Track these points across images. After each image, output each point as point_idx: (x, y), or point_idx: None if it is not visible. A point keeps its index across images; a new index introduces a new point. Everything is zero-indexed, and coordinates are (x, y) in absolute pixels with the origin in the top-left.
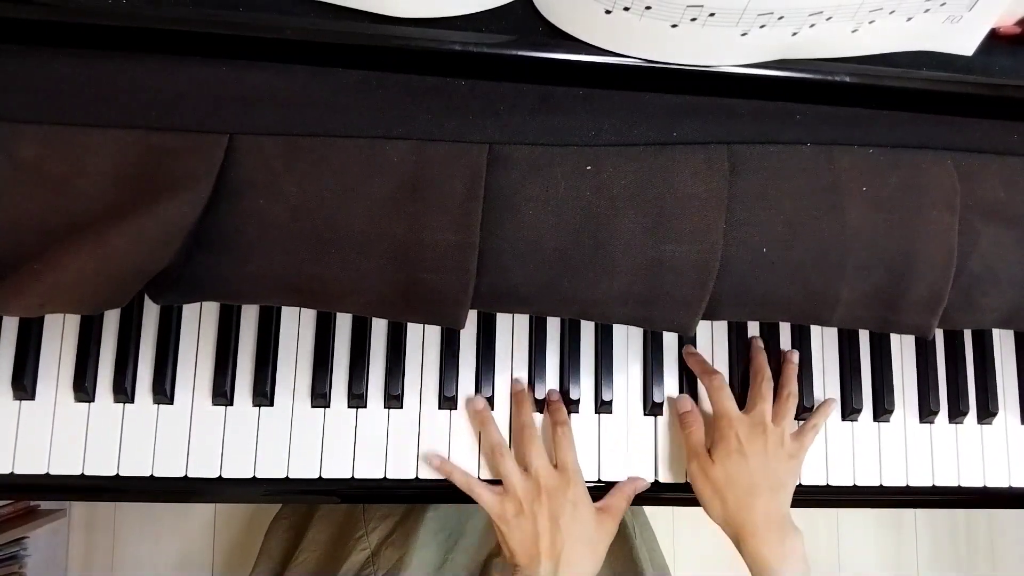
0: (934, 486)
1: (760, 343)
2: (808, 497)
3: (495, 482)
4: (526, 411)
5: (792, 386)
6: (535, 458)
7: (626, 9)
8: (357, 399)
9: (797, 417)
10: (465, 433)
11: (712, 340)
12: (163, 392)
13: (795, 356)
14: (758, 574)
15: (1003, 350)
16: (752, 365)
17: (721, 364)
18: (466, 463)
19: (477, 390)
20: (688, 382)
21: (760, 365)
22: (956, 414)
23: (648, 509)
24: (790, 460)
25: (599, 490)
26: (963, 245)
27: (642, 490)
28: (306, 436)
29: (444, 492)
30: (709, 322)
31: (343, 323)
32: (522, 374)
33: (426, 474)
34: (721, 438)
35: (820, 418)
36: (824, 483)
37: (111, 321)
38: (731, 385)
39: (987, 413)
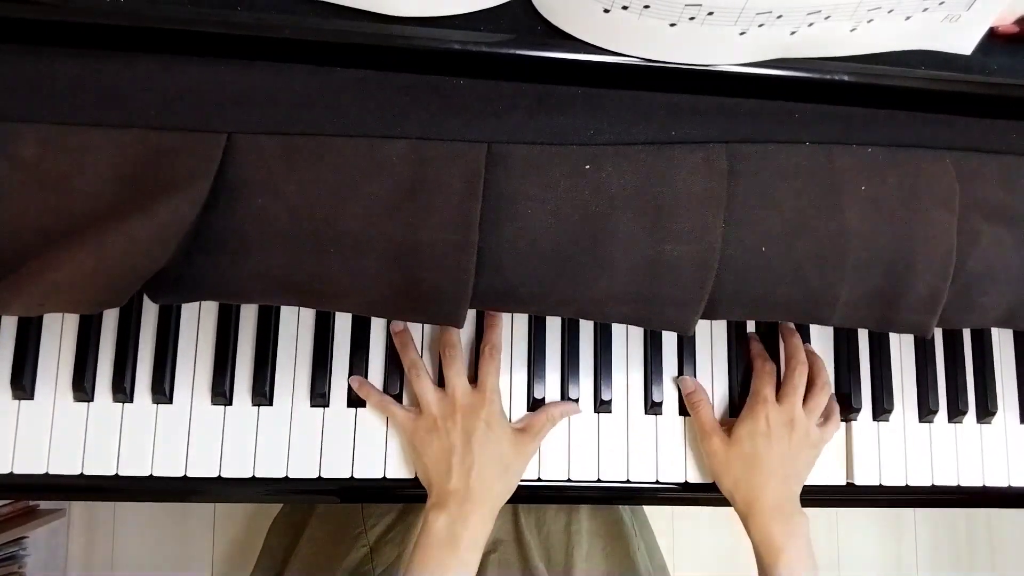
0: (933, 485)
1: (792, 325)
2: (808, 497)
3: None
4: (449, 332)
5: (824, 375)
6: (453, 376)
7: (624, 8)
8: (357, 399)
9: None
10: None
11: (711, 340)
12: (162, 392)
13: (811, 351)
14: (763, 550)
15: (1002, 349)
16: (787, 349)
17: (720, 364)
18: None
19: None
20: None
21: (795, 348)
22: (955, 413)
23: (648, 509)
24: (811, 451)
25: (599, 490)
26: (962, 244)
27: (571, 414)
28: (305, 436)
29: None
30: (708, 321)
31: (342, 323)
32: (522, 374)
33: None
34: (752, 417)
35: (837, 408)
36: (823, 483)
37: (110, 321)
38: (730, 385)
39: (986, 412)
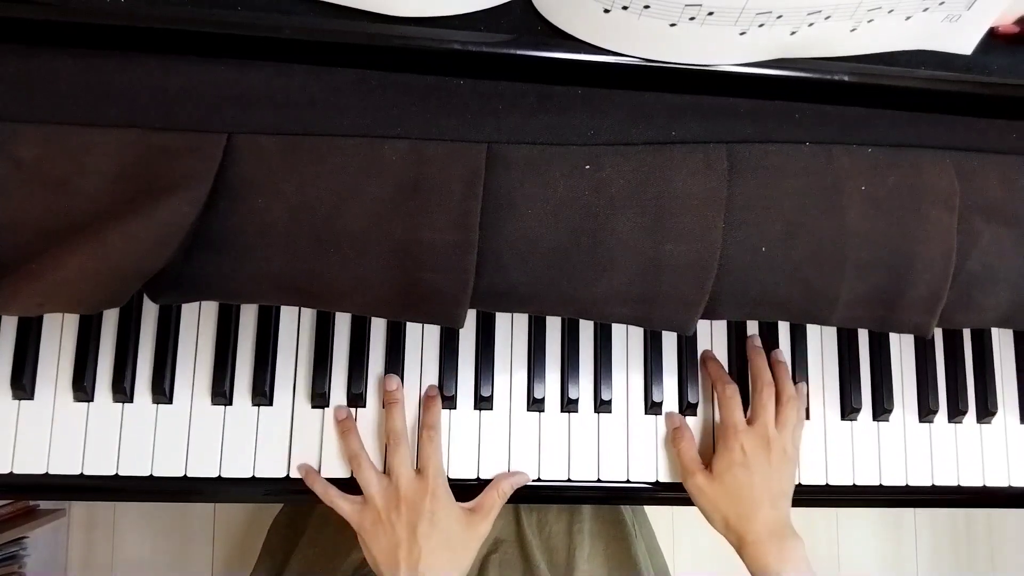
0: (933, 485)
1: (758, 342)
2: (808, 497)
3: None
4: (395, 417)
5: (789, 389)
6: (397, 465)
7: (625, 8)
8: (356, 398)
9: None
10: (465, 431)
11: (711, 339)
12: (162, 391)
13: (782, 355)
14: None
15: (1002, 349)
16: (752, 370)
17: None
18: (467, 461)
19: (476, 390)
20: (688, 382)
21: (759, 370)
22: (955, 413)
23: (648, 509)
24: (791, 466)
25: (599, 490)
26: (962, 244)
27: (520, 484)
28: (305, 435)
29: None
30: (708, 321)
31: (342, 323)
32: (521, 374)
33: None
34: (726, 449)
35: (801, 413)
36: (824, 483)
37: (110, 321)
38: None
39: (986, 412)
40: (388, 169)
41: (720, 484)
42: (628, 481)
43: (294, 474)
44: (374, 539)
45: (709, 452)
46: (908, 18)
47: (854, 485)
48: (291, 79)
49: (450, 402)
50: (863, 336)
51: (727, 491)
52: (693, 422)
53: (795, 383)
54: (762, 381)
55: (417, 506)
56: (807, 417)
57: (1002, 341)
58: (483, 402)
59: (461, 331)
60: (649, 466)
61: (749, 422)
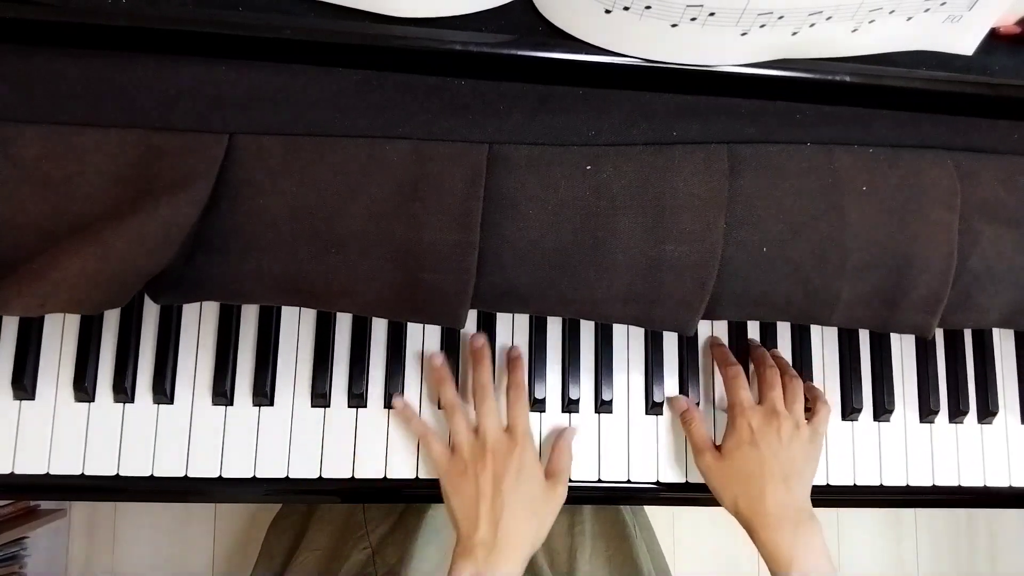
0: (934, 486)
1: (757, 342)
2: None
3: None
4: (482, 370)
5: (791, 370)
6: (484, 418)
7: (626, 9)
8: (357, 399)
9: None
10: None
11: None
12: (163, 392)
13: (780, 353)
14: (773, 564)
15: (1003, 350)
16: (753, 360)
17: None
18: None
19: None
20: (689, 382)
21: (760, 356)
22: (956, 414)
23: (648, 509)
24: (807, 445)
25: (600, 490)
26: (963, 245)
27: (572, 437)
28: (306, 436)
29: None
30: (709, 321)
31: (343, 323)
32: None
33: (426, 473)
34: (734, 429)
35: (819, 394)
36: (824, 483)
37: (111, 321)
38: None
39: (987, 412)
40: (389, 169)
41: (729, 463)
42: (629, 481)
43: (294, 474)
44: (456, 490)
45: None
46: (909, 19)
47: (855, 485)
48: (292, 79)
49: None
50: (864, 336)
51: (736, 470)
52: None
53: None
54: (764, 365)
55: (504, 460)
56: (808, 418)
57: (1003, 341)
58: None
59: (462, 331)
60: (650, 466)
61: (758, 402)
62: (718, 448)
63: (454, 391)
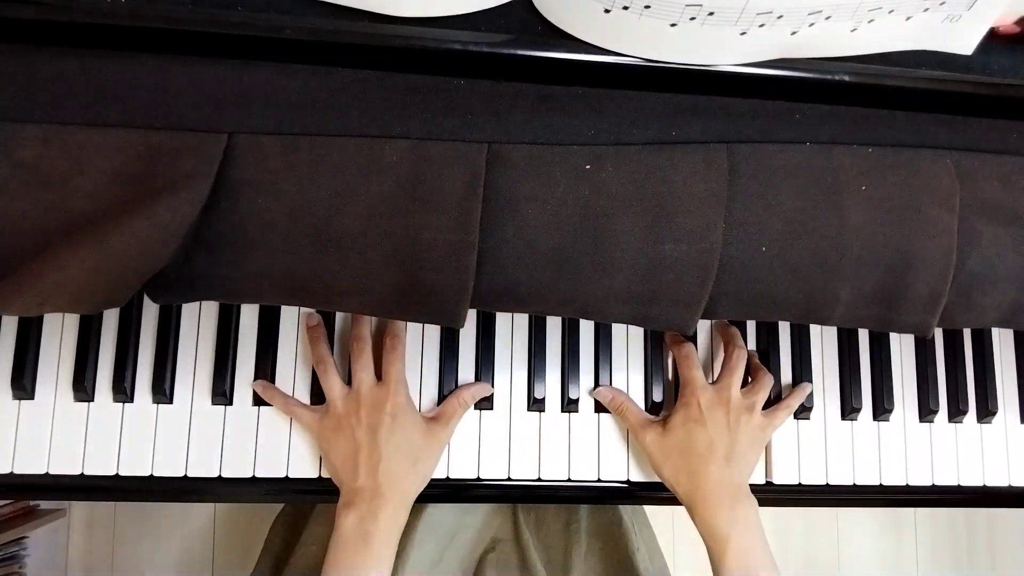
0: (934, 485)
1: (732, 327)
2: (808, 497)
3: None
4: (360, 324)
5: (764, 371)
6: (359, 370)
7: (625, 8)
8: None
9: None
10: (465, 431)
11: (711, 339)
12: (162, 392)
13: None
14: (710, 541)
15: (1002, 349)
16: (724, 337)
17: (720, 363)
18: (467, 461)
19: None
20: None
21: (732, 335)
22: (956, 413)
23: (648, 509)
24: (755, 432)
25: (598, 490)
26: (962, 244)
27: (482, 395)
28: (305, 436)
29: (441, 491)
30: (708, 321)
31: (343, 323)
32: (522, 374)
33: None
34: (684, 405)
35: (795, 400)
36: (824, 483)
37: (110, 321)
38: None
39: (986, 412)
40: (389, 169)
41: (673, 436)
42: (628, 481)
43: (294, 474)
44: (333, 445)
45: None
46: (908, 18)
47: (854, 485)
48: (292, 79)
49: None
50: (863, 336)
51: (679, 446)
52: None
53: (799, 382)
54: (734, 345)
55: (378, 410)
56: (807, 417)
57: (1002, 341)
58: (483, 402)
59: (461, 331)
60: (649, 466)
61: (716, 381)
62: (663, 422)
63: (326, 347)
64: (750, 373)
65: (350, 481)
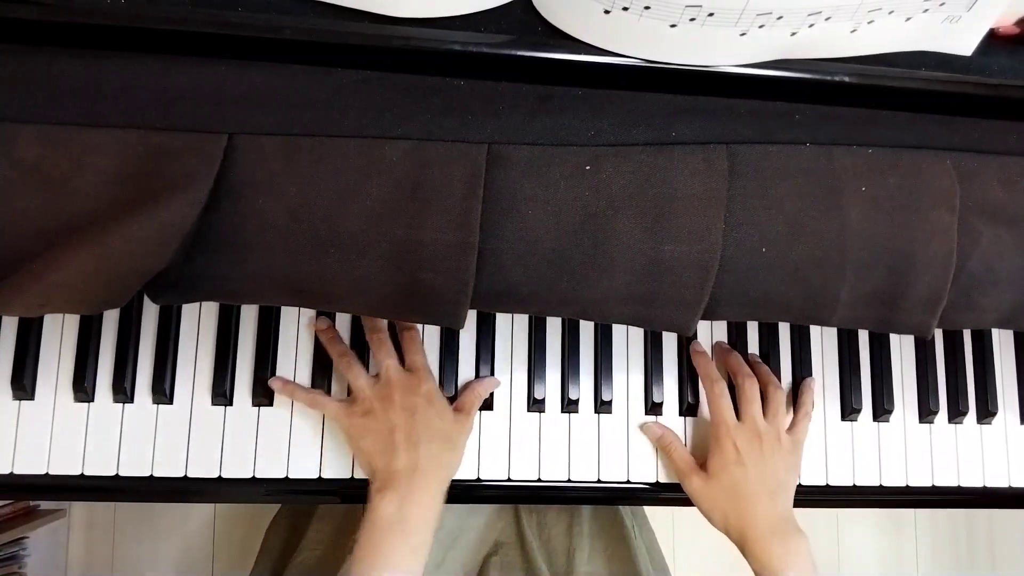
0: (934, 486)
1: (725, 344)
2: (808, 497)
3: None
4: (374, 319)
5: (773, 380)
6: (384, 358)
7: (625, 9)
8: None
9: None
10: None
11: (711, 340)
12: (162, 392)
13: (756, 357)
14: None
15: (1002, 350)
16: (728, 368)
17: (719, 363)
18: (467, 461)
19: None
20: (688, 382)
21: (736, 365)
22: (956, 414)
23: (648, 509)
24: (788, 456)
25: (599, 490)
26: (962, 245)
27: (493, 388)
28: (305, 436)
29: None
30: (709, 322)
31: (343, 323)
32: (521, 374)
33: None
34: (719, 448)
35: (806, 402)
36: (824, 483)
37: (110, 321)
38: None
39: (986, 413)
40: (388, 170)
41: (717, 483)
42: (628, 481)
43: (294, 474)
44: (365, 431)
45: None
46: (908, 19)
47: (854, 485)
48: (292, 79)
49: (451, 402)
50: (863, 337)
51: (724, 490)
52: (693, 422)
53: (801, 380)
54: (741, 375)
55: (412, 392)
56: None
57: (1002, 342)
58: (483, 402)
59: (461, 331)
60: (649, 466)
61: (738, 418)
62: (702, 467)
63: (343, 343)
64: (760, 390)
65: (387, 464)
